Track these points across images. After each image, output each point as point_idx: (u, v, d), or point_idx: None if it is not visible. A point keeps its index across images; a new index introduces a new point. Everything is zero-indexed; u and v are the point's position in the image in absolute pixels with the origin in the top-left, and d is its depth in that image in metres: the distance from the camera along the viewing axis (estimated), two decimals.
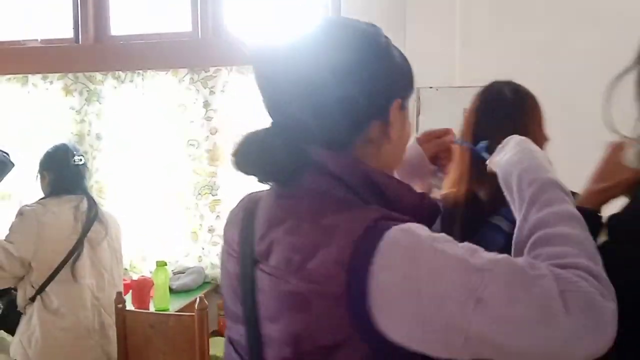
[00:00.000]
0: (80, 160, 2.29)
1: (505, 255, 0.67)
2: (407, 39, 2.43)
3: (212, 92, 2.89)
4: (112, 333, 2.17)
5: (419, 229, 0.69)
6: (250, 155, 0.77)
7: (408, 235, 0.68)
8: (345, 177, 0.75)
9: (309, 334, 0.70)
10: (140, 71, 2.97)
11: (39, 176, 2.30)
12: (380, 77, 0.76)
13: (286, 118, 0.76)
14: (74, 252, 2.15)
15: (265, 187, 0.83)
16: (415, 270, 0.65)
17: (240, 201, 0.88)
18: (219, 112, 2.88)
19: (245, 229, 0.80)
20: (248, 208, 0.83)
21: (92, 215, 2.23)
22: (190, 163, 2.91)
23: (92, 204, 2.27)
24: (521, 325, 0.63)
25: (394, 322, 0.66)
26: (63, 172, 2.25)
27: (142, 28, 3.17)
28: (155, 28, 3.15)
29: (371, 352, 0.68)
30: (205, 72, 2.90)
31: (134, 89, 2.99)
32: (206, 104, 2.89)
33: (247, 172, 0.78)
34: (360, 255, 0.66)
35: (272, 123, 0.79)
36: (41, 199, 2.27)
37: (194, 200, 2.93)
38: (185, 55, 2.91)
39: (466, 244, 0.69)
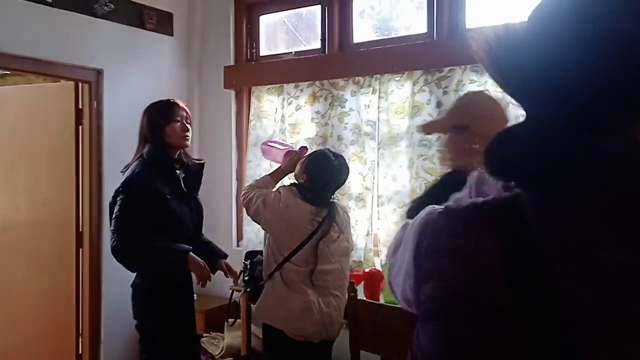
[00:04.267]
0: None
1: None
2: None
3: (445, 93, 2.90)
4: (335, 314, 2.36)
5: None
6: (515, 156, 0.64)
7: None
8: None
9: None
10: (378, 75, 3.13)
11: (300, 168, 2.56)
12: None
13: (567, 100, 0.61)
14: (307, 242, 2.39)
15: None
16: None
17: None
18: None
19: None
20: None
21: (329, 214, 2.44)
22: (422, 163, 2.95)
23: (333, 206, 2.49)
24: None
25: None
26: (317, 180, 2.50)
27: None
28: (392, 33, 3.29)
29: None
30: (439, 72, 2.92)
31: (372, 93, 3.16)
32: (439, 104, 2.91)
33: (507, 177, 0.68)
34: None
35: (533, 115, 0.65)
36: (294, 185, 2.53)
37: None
38: (420, 57, 2.97)
39: None
